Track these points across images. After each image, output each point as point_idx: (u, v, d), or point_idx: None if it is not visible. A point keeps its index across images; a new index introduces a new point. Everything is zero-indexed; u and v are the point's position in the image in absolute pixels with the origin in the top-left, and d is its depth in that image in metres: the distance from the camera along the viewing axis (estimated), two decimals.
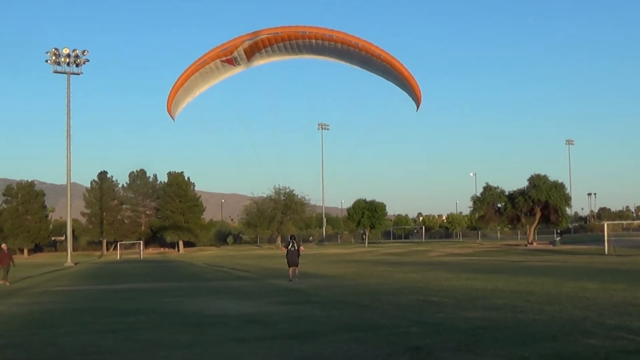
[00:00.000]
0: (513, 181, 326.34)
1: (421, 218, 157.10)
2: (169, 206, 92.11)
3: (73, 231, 71.42)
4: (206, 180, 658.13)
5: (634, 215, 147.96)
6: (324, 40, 25.45)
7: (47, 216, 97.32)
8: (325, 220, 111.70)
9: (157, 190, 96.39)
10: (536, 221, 68.60)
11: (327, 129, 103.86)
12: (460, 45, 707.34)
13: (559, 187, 66.40)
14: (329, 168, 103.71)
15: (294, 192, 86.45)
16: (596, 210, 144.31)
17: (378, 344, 8.59)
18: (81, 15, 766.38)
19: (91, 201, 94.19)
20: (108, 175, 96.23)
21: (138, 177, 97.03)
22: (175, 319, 12.32)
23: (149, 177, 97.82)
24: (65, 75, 61.73)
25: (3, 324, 12.20)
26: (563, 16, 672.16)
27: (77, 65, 61.92)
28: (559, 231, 74.12)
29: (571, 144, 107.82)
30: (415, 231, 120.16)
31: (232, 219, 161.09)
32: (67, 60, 61.27)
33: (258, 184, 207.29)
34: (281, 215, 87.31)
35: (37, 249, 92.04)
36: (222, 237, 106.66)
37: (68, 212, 63.89)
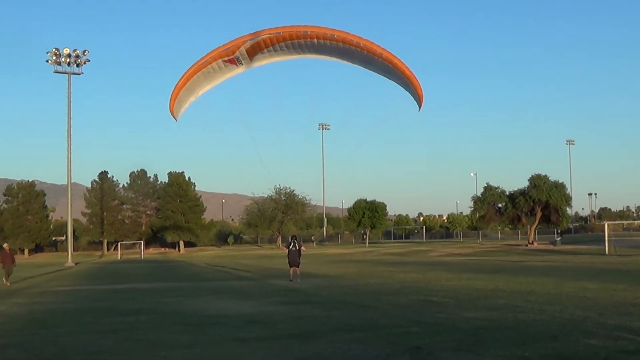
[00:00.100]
0: (514, 181, 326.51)
1: (422, 218, 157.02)
2: (170, 206, 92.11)
3: (74, 231, 71.44)
4: (207, 181, 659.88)
5: (635, 215, 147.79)
6: (326, 39, 25.42)
7: (47, 216, 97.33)
8: (325, 220, 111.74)
9: (157, 190, 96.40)
10: (537, 221, 68.58)
11: (328, 129, 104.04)
12: (460, 45, 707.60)
13: (559, 187, 66.40)
14: (329, 168, 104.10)
15: (294, 192, 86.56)
16: (597, 210, 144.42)
17: (378, 344, 8.58)
18: (82, 15, 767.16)
19: (92, 201, 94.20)
20: (109, 175, 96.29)
21: (139, 177, 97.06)
22: (175, 319, 12.32)
23: (150, 177, 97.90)
24: (66, 75, 61.77)
25: (4, 324, 12.20)
26: (563, 16, 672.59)
27: (77, 65, 61.95)
28: (559, 231, 74.04)
29: (572, 144, 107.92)
30: (415, 231, 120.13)
31: (232, 219, 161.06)
32: (68, 60, 61.28)
33: (259, 184, 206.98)
34: (282, 215, 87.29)
35: (37, 249, 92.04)
36: (223, 237, 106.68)
37: (69, 212, 63.91)
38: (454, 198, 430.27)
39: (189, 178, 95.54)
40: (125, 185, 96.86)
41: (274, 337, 9.53)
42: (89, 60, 62.31)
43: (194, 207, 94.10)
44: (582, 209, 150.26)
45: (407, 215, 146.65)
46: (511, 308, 12.25)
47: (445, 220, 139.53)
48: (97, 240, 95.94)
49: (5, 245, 28.51)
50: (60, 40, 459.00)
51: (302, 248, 23.89)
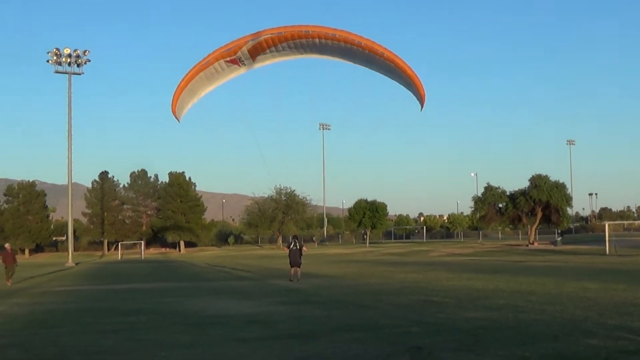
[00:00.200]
0: (514, 181, 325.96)
1: (422, 218, 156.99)
2: (170, 206, 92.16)
3: (74, 231, 71.43)
4: (207, 181, 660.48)
5: (635, 215, 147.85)
6: (327, 39, 25.40)
7: (48, 216, 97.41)
8: (326, 220, 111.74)
9: (158, 191, 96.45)
10: (537, 221, 68.58)
11: (329, 129, 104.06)
12: (461, 45, 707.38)
13: (560, 187, 66.43)
14: (330, 168, 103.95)
15: (295, 192, 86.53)
16: (597, 211, 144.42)
17: (379, 344, 8.59)
18: (82, 15, 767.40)
19: (92, 201, 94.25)
20: (109, 176, 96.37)
21: (139, 177, 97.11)
22: (176, 319, 12.32)
23: (150, 177, 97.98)
24: (67, 75, 61.82)
25: (4, 324, 12.21)
26: (563, 16, 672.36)
27: (78, 66, 61.97)
28: (560, 231, 74.09)
29: (572, 144, 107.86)
30: (416, 231, 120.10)
31: (233, 219, 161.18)
32: (69, 60, 61.29)
33: (259, 184, 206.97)
34: (282, 215, 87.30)
35: (38, 249, 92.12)
36: (223, 237, 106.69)
37: (69, 212, 63.92)
38: (454, 198, 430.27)
39: (190, 178, 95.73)
40: (126, 185, 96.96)
41: (275, 337, 9.53)
42: (89, 60, 62.41)
43: (195, 207, 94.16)
44: (583, 209, 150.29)
45: (407, 215, 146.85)
46: (512, 308, 12.25)
47: (446, 221, 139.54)
48: (97, 241, 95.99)
49: (7, 245, 28.58)
50: (61, 40, 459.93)
51: (304, 248, 23.83)
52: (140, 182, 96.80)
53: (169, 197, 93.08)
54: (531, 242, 66.72)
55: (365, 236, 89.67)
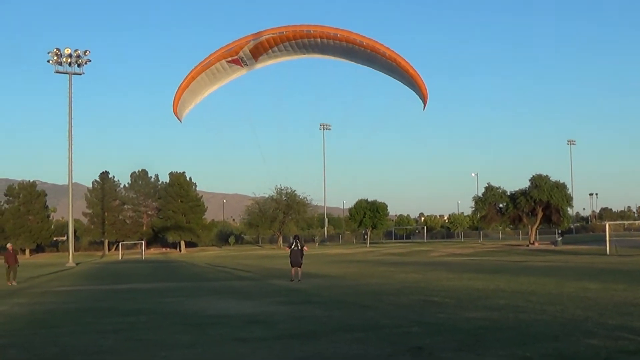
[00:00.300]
0: (515, 181, 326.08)
1: (423, 218, 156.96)
2: (171, 206, 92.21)
3: (75, 231, 71.50)
4: (208, 181, 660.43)
5: (636, 215, 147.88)
6: (329, 38, 25.39)
7: (48, 216, 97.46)
8: (327, 220, 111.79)
9: (158, 191, 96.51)
10: (538, 221, 68.56)
11: (329, 129, 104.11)
12: (461, 44, 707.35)
13: (560, 187, 66.42)
14: (330, 168, 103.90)
15: (295, 192, 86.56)
16: (598, 211, 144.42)
17: (379, 344, 8.58)
18: (82, 15, 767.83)
19: (93, 201, 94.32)
20: (110, 176, 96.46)
21: (140, 177, 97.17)
22: (176, 319, 12.33)
23: (151, 177, 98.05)
24: (67, 75, 61.84)
25: (5, 324, 12.21)
26: (564, 16, 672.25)
27: (78, 66, 62.00)
28: (560, 231, 74.04)
29: (573, 144, 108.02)
30: (416, 231, 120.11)
31: (233, 219, 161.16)
32: (69, 60, 61.32)
33: (260, 184, 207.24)
34: (283, 215, 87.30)
35: (38, 249, 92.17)
36: (224, 237, 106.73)
37: (70, 212, 63.95)
38: (455, 198, 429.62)
39: (190, 178, 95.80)
40: (127, 185, 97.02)
41: (275, 337, 9.53)
42: (89, 61, 62.44)
43: (195, 207, 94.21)
44: (583, 209, 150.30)
45: (408, 215, 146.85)
46: (512, 308, 12.25)
47: (447, 221, 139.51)
48: (98, 241, 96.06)
49: (9, 245, 28.61)
50: (61, 40, 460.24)
51: (305, 248, 23.86)
52: (140, 182, 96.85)
53: (169, 197, 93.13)
54: (532, 242, 66.69)
55: (365, 236, 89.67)
